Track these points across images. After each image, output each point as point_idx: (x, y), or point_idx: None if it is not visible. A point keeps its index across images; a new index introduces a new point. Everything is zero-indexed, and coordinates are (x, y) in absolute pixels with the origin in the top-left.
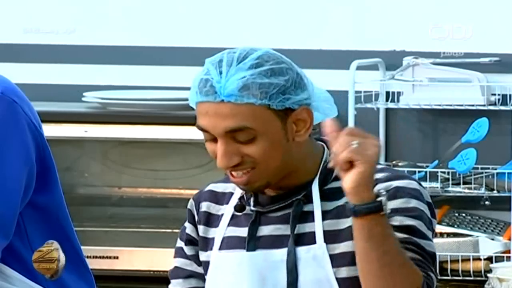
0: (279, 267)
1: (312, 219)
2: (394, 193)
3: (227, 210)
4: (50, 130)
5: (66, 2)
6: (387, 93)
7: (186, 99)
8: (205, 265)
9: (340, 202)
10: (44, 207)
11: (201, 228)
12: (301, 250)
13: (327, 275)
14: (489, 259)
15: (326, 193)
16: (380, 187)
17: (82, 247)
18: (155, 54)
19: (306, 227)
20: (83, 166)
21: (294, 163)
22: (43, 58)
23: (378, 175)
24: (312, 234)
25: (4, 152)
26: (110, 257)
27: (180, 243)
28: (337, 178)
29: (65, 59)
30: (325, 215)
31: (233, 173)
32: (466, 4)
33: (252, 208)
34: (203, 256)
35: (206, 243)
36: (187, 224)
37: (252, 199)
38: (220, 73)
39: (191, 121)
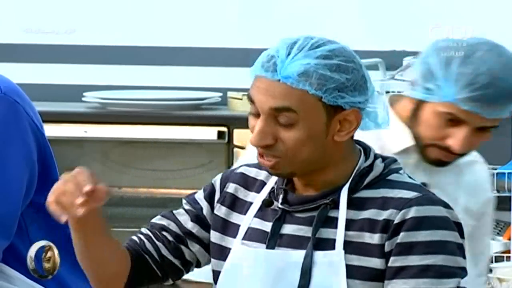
0: (294, 268)
1: (335, 226)
2: (419, 224)
3: (256, 200)
4: (50, 130)
5: (66, 2)
6: (387, 93)
7: (186, 99)
8: (222, 250)
9: (367, 214)
10: (45, 207)
11: (223, 209)
12: (319, 255)
13: (340, 284)
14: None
15: (354, 201)
16: (409, 212)
17: None
18: (155, 54)
19: (328, 233)
20: (83, 166)
21: (326, 161)
22: (43, 58)
23: (409, 194)
24: (333, 240)
25: (6, 152)
26: None
27: (200, 193)
28: (367, 187)
29: (65, 59)
30: (350, 224)
31: (262, 153)
32: (466, 4)
33: (279, 206)
34: (221, 239)
35: (226, 227)
36: (203, 203)
37: (281, 196)
38: (289, 54)
39: (191, 121)
